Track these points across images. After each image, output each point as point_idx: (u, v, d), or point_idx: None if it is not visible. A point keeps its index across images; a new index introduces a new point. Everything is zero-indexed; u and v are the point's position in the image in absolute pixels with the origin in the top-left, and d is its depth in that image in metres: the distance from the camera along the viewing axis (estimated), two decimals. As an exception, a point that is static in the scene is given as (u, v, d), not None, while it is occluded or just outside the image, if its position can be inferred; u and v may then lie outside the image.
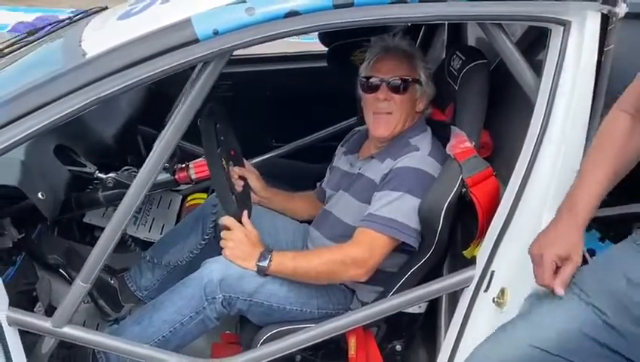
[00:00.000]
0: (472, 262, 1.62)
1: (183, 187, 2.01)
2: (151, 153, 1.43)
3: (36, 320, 1.52)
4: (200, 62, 1.33)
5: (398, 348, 1.86)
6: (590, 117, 1.38)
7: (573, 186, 1.22)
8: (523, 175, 1.43)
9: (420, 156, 1.72)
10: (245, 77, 2.89)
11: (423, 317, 1.85)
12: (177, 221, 2.68)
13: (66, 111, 1.29)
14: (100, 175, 1.87)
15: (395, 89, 1.78)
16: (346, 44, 2.39)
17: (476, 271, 1.54)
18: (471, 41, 2.19)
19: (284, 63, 3.06)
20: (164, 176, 1.89)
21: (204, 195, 2.74)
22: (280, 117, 3.00)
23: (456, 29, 2.26)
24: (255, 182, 2.02)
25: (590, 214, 1.20)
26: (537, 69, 1.47)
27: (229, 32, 1.29)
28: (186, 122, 1.41)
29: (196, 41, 1.28)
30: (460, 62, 1.75)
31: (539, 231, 1.38)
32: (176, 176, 1.92)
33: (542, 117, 1.41)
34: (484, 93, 1.66)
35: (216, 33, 1.28)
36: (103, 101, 1.34)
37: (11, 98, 1.31)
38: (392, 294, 1.71)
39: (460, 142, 1.61)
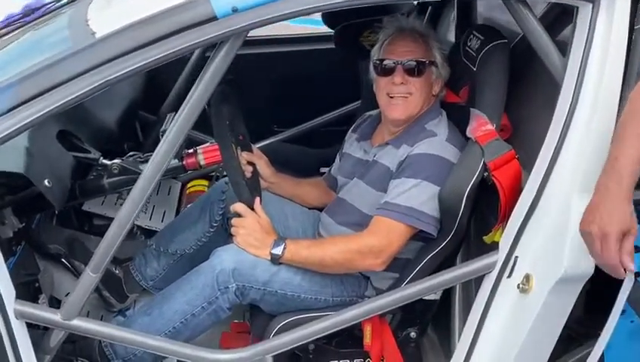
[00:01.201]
0: (487, 247, 1.59)
1: (189, 171, 1.94)
2: (163, 139, 1.37)
3: (45, 313, 1.45)
4: (218, 41, 1.26)
5: (413, 334, 1.83)
6: (620, 97, 1.33)
7: (613, 158, 1.16)
8: (550, 157, 1.38)
9: (437, 142, 1.68)
10: (245, 59, 2.80)
11: (438, 305, 1.82)
12: (178, 208, 2.63)
13: (77, 94, 1.22)
14: (104, 161, 1.79)
15: (411, 72, 1.72)
16: (354, 24, 2.32)
17: (499, 257, 1.50)
18: (479, 22, 2.15)
19: (284, 45, 3.00)
20: (173, 163, 1.82)
21: (205, 182, 2.70)
22: (281, 101, 2.95)
23: (466, 9, 2.21)
24: (265, 168, 1.96)
25: (634, 183, 1.16)
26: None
27: (249, 9, 1.22)
28: (200, 106, 1.35)
29: (214, 18, 1.22)
30: (479, 42, 1.69)
31: (568, 214, 1.35)
32: (185, 162, 1.85)
33: (570, 98, 1.37)
34: (505, 74, 1.62)
35: (235, 10, 1.21)
36: (114, 83, 1.27)
37: (18, 80, 1.23)
38: (409, 281, 1.68)
39: (481, 125, 1.57)
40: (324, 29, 2.70)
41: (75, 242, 2.07)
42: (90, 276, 1.43)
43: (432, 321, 1.92)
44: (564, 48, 1.42)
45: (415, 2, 2.40)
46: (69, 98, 1.21)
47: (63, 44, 1.31)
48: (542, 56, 1.42)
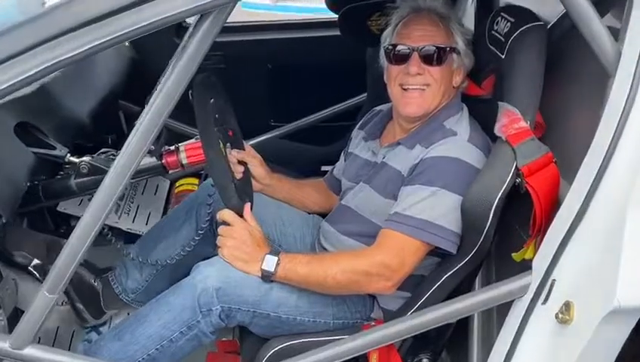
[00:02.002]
0: (512, 266, 1.36)
1: (171, 171, 1.71)
2: (133, 131, 1.14)
3: (-11, 340, 1.22)
4: (196, 13, 1.02)
5: (425, 361, 1.60)
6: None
7: None
8: (600, 164, 1.15)
9: (458, 143, 1.44)
10: (239, 47, 2.60)
11: (454, 326, 1.59)
12: (165, 209, 2.43)
13: (16, 79, 0.98)
14: (72, 159, 1.57)
15: (429, 59, 1.48)
16: (360, 6, 2.08)
17: (533, 279, 1.27)
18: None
19: (282, 32, 2.77)
20: (150, 161, 1.60)
21: (196, 180, 2.50)
22: (279, 93, 2.75)
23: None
24: (258, 168, 1.73)
25: None
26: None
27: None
28: (177, 92, 1.12)
29: (191, -16, 0.98)
30: (509, 25, 1.45)
31: (620, 233, 1.12)
32: (164, 161, 1.62)
33: (625, 92, 1.13)
34: (541, 62, 1.37)
35: (218, -26, 0.97)
36: (69, 64, 1.03)
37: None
38: (423, 303, 1.45)
39: (513, 122, 1.32)
40: (327, 15, 2.47)
41: (54, 246, 1.85)
42: (47, 297, 1.22)
43: (447, 343, 1.69)
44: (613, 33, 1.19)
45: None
46: (6, 85, 0.97)
47: (5, 18, 1.07)
48: (589, 40, 1.18)
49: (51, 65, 1.02)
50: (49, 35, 0.99)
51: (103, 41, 1.01)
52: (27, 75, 1.02)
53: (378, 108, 1.79)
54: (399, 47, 1.51)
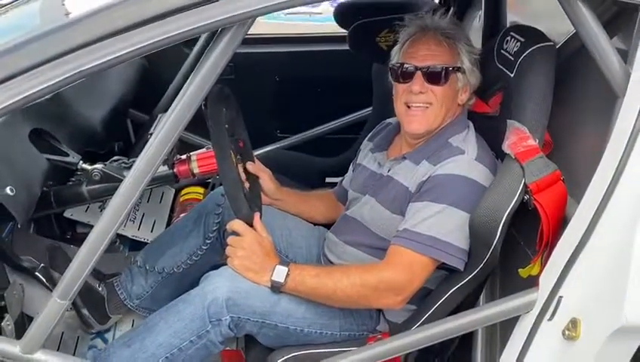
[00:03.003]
0: (517, 281, 1.37)
1: (181, 180, 1.72)
2: (150, 140, 1.16)
3: (1, 344, 1.23)
4: (219, 28, 1.04)
5: (429, 374, 1.61)
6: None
7: None
8: (609, 182, 1.16)
9: (466, 161, 1.46)
10: (249, 58, 2.63)
11: (459, 339, 1.59)
12: (170, 217, 2.43)
13: (40, 87, 1.00)
14: (84, 166, 1.58)
15: (433, 79, 1.50)
16: (369, 23, 2.11)
17: (539, 295, 1.28)
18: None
19: (291, 45, 2.81)
20: (162, 170, 1.61)
21: (201, 189, 2.51)
22: (286, 105, 2.78)
23: (495, 9, 2.00)
24: (268, 182, 1.74)
25: None
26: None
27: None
28: (194, 105, 1.14)
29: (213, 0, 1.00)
30: (518, 44, 1.47)
31: (629, 251, 1.13)
32: (176, 170, 1.63)
33: (634, 113, 1.15)
34: (550, 82, 1.39)
35: (240, -10, 1.00)
36: (88, 75, 1.05)
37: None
38: (429, 316, 1.45)
39: (522, 140, 1.34)
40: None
41: (56, 252, 1.86)
42: (58, 303, 1.24)
43: (451, 356, 1.70)
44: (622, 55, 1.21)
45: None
46: (30, 93, 0.99)
47: (30, 28, 1.08)
48: (598, 60, 1.20)
49: (72, 76, 1.04)
50: (72, 45, 1.01)
51: (126, 52, 1.03)
52: (48, 84, 1.03)
53: (388, 120, 1.81)
54: (405, 66, 1.53)
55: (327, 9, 3.74)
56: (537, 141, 1.35)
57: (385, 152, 1.70)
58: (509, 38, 1.54)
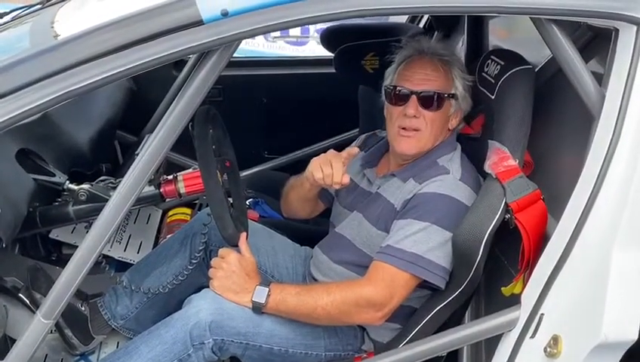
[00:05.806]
0: (501, 300, 1.39)
1: (167, 200, 1.73)
2: (135, 161, 1.17)
3: (-19, 366, 1.22)
4: (204, 51, 1.06)
5: (415, 394, 1.60)
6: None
7: None
8: (586, 203, 1.19)
9: (450, 181, 1.48)
10: (236, 81, 2.66)
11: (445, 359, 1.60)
12: (157, 238, 2.42)
13: (27, 107, 1.01)
14: (71, 186, 1.58)
15: (427, 104, 1.51)
16: (355, 46, 2.15)
17: (521, 313, 1.30)
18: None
19: (278, 68, 2.84)
20: (148, 190, 1.61)
21: (188, 210, 2.51)
22: (273, 126, 2.80)
23: (478, 34, 2.06)
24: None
25: None
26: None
27: (242, 14, 1.03)
28: (180, 125, 1.16)
29: (199, 23, 1.03)
30: (499, 67, 1.51)
31: (606, 270, 1.16)
32: (162, 190, 1.63)
33: (609, 134, 1.19)
34: (529, 104, 1.43)
35: (225, 15, 1.02)
36: (76, 96, 1.07)
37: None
38: (414, 335, 1.46)
39: (503, 160, 1.37)
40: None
41: (38, 273, 1.84)
42: (42, 322, 1.23)
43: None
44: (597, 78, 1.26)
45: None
46: (17, 113, 1.00)
47: (19, 50, 1.10)
48: (574, 83, 1.24)
49: (60, 96, 1.06)
50: (61, 66, 1.02)
51: (111, 74, 1.05)
52: (36, 104, 1.05)
53: (379, 133, 1.80)
54: (399, 89, 1.54)
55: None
56: (517, 161, 1.38)
57: (375, 168, 1.71)
58: (489, 61, 1.58)
